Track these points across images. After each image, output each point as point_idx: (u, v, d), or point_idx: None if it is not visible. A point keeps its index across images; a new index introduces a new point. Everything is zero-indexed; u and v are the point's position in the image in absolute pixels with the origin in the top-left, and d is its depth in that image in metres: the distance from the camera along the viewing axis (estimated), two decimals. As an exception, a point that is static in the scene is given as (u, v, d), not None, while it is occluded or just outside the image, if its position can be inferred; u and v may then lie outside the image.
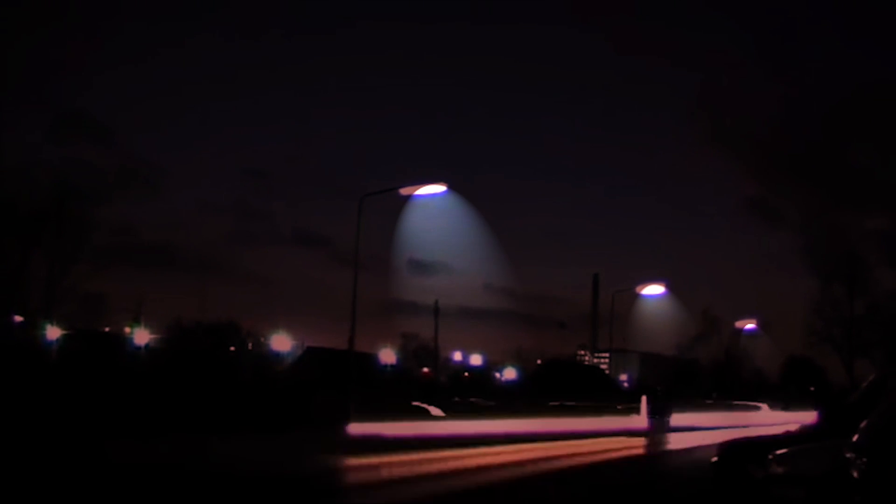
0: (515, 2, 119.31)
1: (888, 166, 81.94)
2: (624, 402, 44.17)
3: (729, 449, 13.66)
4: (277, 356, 57.25)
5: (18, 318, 38.20)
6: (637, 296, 50.74)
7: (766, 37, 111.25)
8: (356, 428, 22.14)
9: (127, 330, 51.65)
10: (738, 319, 60.28)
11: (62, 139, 60.85)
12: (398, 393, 44.27)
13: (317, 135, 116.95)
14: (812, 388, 62.14)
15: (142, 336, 47.89)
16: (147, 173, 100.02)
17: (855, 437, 8.57)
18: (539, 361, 75.78)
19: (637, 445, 22.03)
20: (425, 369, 71.10)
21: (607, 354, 75.31)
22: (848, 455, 8.42)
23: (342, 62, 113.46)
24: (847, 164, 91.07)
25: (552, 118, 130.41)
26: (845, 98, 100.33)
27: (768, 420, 38.51)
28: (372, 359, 57.46)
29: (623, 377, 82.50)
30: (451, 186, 29.50)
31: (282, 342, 57.45)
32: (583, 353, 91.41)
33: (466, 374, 77.10)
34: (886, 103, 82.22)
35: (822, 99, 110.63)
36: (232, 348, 53.42)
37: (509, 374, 74.85)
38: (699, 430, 26.99)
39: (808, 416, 16.52)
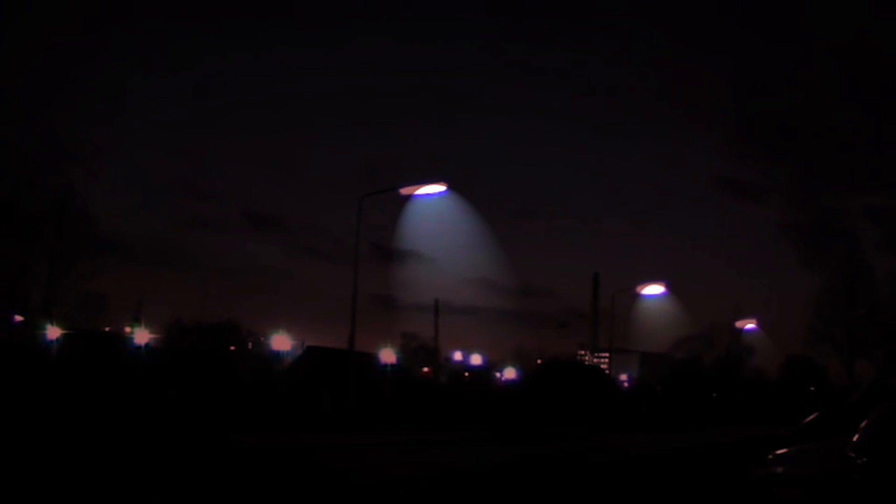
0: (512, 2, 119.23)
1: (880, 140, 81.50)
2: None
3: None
4: (277, 356, 57.18)
5: (18, 318, 38.19)
6: (637, 296, 50.90)
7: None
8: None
9: (127, 330, 51.63)
10: (738, 319, 60.35)
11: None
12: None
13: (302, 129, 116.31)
14: (812, 389, 62.18)
15: (142, 336, 47.83)
16: (87, 155, 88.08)
17: (855, 437, 8.57)
18: (539, 361, 75.71)
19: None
20: (425, 369, 71.05)
21: (607, 354, 75.20)
22: (848, 455, 8.42)
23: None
24: (837, 141, 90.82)
25: (550, 115, 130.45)
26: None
27: None
28: (372, 358, 57.37)
29: (623, 377, 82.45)
30: (451, 186, 29.56)
31: (282, 342, 57.34)
32: (583, 352, 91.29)
33: (467, 373, 77.05)
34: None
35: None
36: (232, 348, 53.40)
37: (509, 373, 74.77)
38: None
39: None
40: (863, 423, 8.69)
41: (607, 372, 74.61)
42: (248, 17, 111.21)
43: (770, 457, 11.03)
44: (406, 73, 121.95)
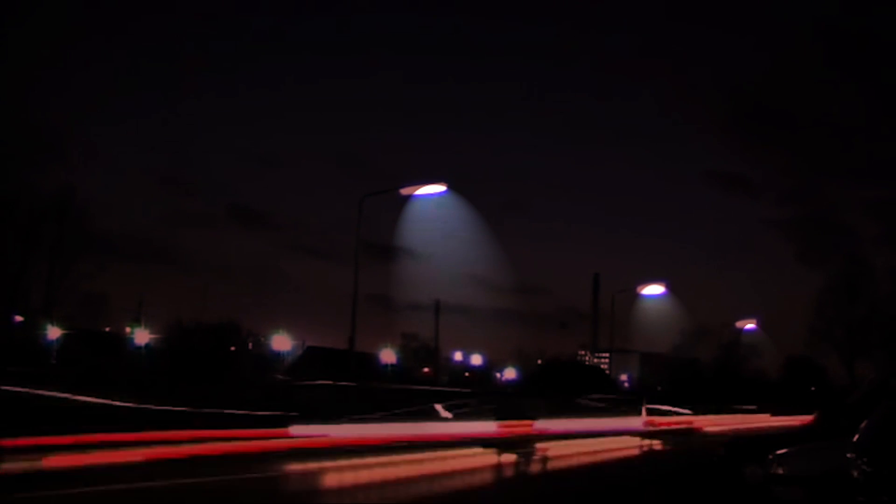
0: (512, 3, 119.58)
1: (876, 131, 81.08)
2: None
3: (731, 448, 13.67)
4: (277, 356, 57.29)
5: (18, 318, 38.21)
6: (637, 296, 50.85)
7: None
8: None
9: (127, 330, 51.69)
10: (738, 319, 60.30)
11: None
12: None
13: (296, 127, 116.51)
14: (812, 388, 62.11)
15: (142, 336, 47.85)
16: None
17: (855, 437, 8.56)
18: (539, 361, 75.74)
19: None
20: (426, 369, 71.07)
21: (607, 354, 75.28)
22: (848, 455, 8.41)
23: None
24: (836, 133, 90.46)
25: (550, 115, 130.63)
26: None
27: None
28: (373, 358, 57.43)
29: (623, 377, 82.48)
30: (451, 186, 29.51)
31: (282, 342, 57.42)
32: (583, 352, 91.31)
33: (467, 373, 77.08)
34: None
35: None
36: (232, 348, 53.42)
37: (509, 374, 74.83)
38: None
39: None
40: (863, 423, 8.68)
41: (607, 372, 74.64)
42: (243, 19, 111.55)
43: (770, 457, 11.03)
44: (399, 77, 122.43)
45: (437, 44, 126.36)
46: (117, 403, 20.00)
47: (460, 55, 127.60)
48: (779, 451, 11.04)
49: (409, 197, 30.98)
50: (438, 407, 26.25)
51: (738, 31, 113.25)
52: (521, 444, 19.89)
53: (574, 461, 20.31)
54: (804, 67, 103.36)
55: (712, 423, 36.16)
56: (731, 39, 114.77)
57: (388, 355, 61.23)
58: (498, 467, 17.65)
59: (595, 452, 22.22)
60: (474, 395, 33.90)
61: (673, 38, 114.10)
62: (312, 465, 15.05)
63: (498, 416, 21.59)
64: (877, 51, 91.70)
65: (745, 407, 50.71)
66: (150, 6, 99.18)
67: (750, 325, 59.74)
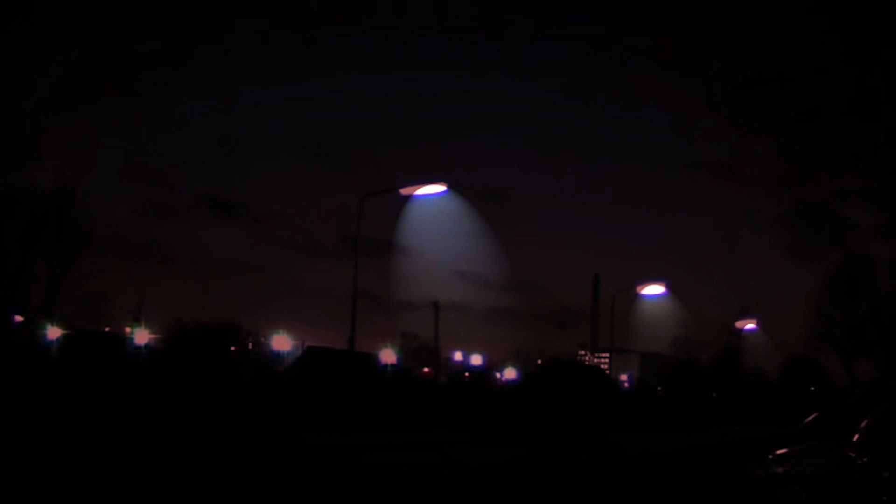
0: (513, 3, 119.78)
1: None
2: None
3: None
4: (277, 356, 57.21)
5: (18, 318, 38.19)
6: (637, 296, 50.95)
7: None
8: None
9: (127, 330, 51.64)
10: (738, 319, 60.35)
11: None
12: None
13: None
14: (812, 389, 62.14)
15: (142, 336, 47.82)
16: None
17: (855, 437, 8.57)
18: (539, 361, 75.73)
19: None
20: (426, 369, 71.07)
21: (607, 354, 75.26)
22: (848, 455, 8.41)
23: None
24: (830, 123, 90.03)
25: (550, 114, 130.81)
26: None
27: None
28: (373, 358, 57.40)
29: (623, 377, 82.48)
30: (451, 186, 29.58)
31: (282, 342, 57.33)
32: (583, 353, 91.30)
33: (467, 373, 77.05)
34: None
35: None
36: (232, 348, 53.44)
37: (509, 373, 74.80)
38: None
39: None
40: (863, 423, 8.69)
41: (607, 372, 74.61)
42: (244, 26, 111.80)
43: (770, 457, 11.04)
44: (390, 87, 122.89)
45: (429, 56, 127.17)
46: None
47: (453, 66, 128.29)
48: (779, 451, 11.05)
49: (409, 196, 31.05)
50: None
51: (724, 12, 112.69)
52: None
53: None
54: (794, 51, 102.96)
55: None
56: (715, 22, 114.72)
57: (388, 355, 61.14)
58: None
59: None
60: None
61: (655, 31, 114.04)
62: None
63: None
64: (871, 31, 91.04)
65: None
66: (144, 6, 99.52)
67: (750, 325, 59.82)
